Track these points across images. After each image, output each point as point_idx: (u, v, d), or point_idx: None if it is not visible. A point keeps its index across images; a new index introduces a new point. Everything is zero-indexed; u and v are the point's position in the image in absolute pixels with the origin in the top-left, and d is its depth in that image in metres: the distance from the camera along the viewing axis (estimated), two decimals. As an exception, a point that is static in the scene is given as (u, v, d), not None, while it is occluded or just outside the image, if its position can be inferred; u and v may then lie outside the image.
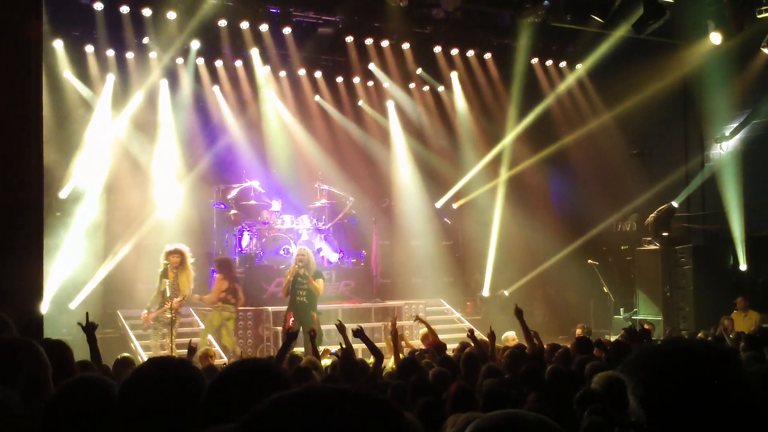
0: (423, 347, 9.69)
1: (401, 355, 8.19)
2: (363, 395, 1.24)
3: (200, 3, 13.19)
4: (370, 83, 16.56)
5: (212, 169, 15.15)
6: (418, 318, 11.22)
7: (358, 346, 9.05)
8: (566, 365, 6.52)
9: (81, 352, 6.19)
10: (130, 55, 14.01)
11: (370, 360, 7.54)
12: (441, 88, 16.86)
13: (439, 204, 17.18)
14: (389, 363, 8.37)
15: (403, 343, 9.51)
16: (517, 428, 1.49)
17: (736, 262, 14.48)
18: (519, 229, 16.54)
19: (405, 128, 17.03)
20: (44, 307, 7.88)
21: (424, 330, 10.27)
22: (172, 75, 14.62)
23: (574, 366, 6.38)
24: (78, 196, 13.46)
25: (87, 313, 6.59)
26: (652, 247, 14.99)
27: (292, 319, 11.10)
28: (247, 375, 2.11)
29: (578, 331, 11.99)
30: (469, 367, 6.49)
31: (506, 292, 16.35)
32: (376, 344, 7.95)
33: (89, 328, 6.32)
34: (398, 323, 10.07)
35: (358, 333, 7.46)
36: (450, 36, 15.35)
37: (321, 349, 10.47)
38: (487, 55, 16.00)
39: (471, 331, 8.50)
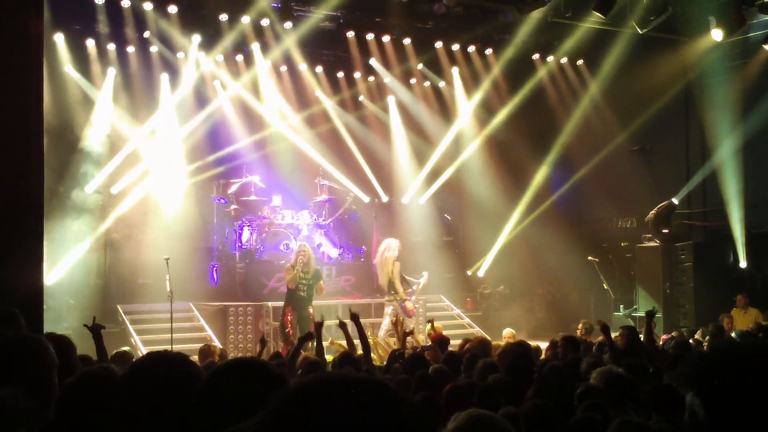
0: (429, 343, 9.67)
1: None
2: (374, 382, 1.25)
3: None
4: (371, 78, 16.52)
5: (213, 164, 15.12)
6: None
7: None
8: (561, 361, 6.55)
9: (80, 347, 6.21)
10: (131, 49, 14.00)
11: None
12: (442, 84, 16.83)
13: (438, 199, 17.17)
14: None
15: (411, 338, 9.47)
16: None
17: (737, 260, 14.48)
18: (519, 224, 16.55)
19: (406, 123, 17.00)
20: (44, 302, 7.91)
21: (429, 327, 10.22)
22: (172, 69, 14.60)
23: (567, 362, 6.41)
24: (79, 191, 13.46)
25: (94, 317, 6.72)
26: (652, 243, 14.98)
27: (290, 317, 11.11)
28: (238, 372, 2.13)
29: (580, 327, 11.97)
30: (471, 364, 6.54)
31: (506, 289, 16.36)
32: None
33: (95, 329, 6.38)
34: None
35: (354, 318, 7.51)
36: (451, 31, 15.34)
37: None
38: (488, 51, 15.99)
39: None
